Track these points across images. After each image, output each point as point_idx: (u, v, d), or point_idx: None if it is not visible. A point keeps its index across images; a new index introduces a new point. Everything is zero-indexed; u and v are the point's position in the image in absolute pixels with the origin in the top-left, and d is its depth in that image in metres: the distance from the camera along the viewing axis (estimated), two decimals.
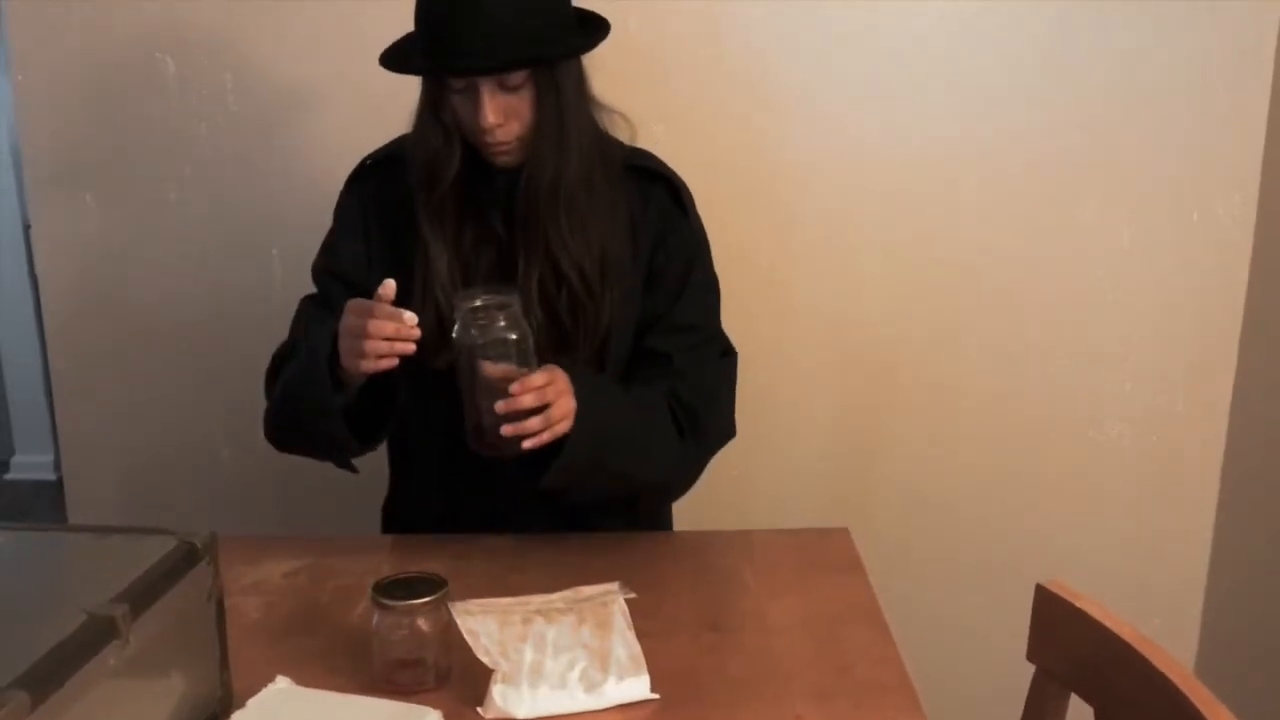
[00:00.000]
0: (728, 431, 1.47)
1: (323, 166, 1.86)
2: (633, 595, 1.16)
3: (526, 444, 1.22)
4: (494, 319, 1.24)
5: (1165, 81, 1.87)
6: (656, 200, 1.42)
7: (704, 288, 1.45)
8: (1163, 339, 1.97)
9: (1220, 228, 1.93)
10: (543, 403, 1.22)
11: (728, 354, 1.48)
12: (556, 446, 1.26)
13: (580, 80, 1.35)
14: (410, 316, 1.22)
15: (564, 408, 1.24)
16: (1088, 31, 1.85)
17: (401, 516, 1.57)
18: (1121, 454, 2.02)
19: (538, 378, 1.22)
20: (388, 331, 1.22)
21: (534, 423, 1.22)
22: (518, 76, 1.28)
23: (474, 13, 1.24)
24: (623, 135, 1.43)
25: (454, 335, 1.26)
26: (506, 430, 1.21)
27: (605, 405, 1.29)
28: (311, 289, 1.49)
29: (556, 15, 1.31)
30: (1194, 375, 1.99)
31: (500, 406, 1.21)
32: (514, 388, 1.20)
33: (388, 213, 1.42)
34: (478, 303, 1.25)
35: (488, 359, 1.23)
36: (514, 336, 1.25)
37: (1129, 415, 2.01)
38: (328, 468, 1.42)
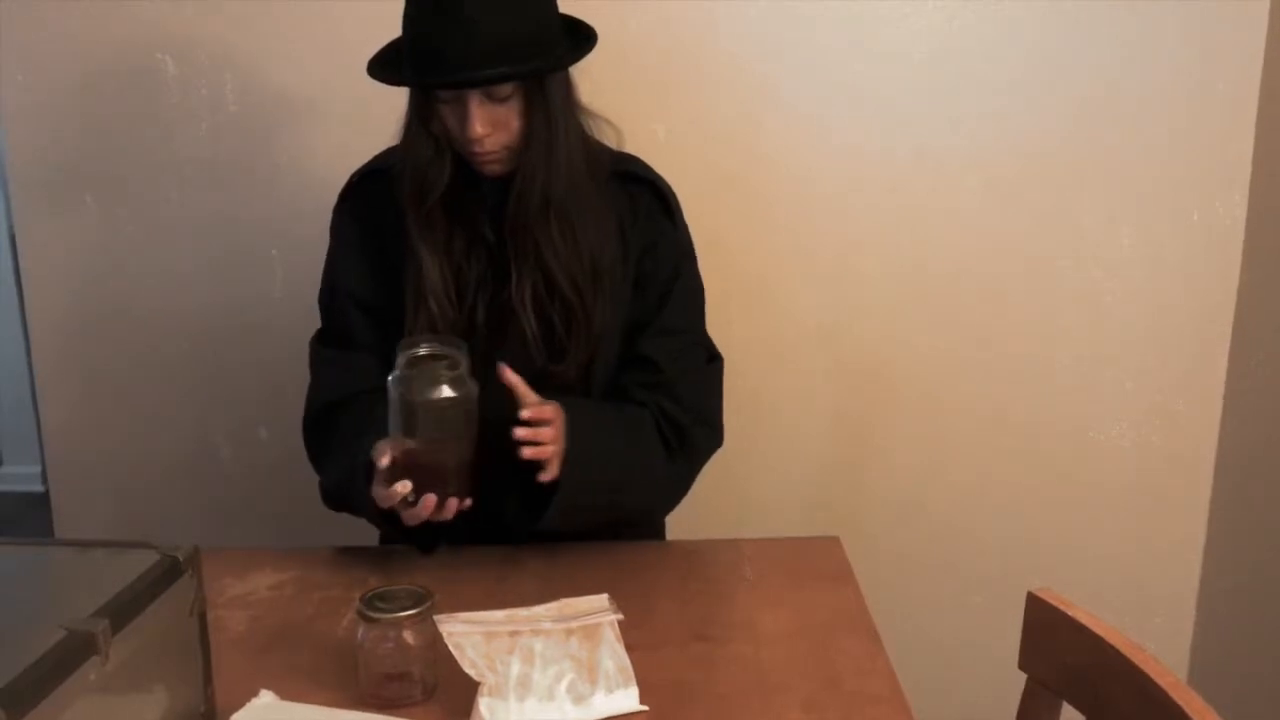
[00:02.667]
0: (716, 442, 1.47)
1: (323, 166, 1.86)
2: (620, 616, 1.15)
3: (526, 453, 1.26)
4: (438, 376, 1.20)
5: (1163, 82, 1.87)
6: (644, 206, 1.42)
7: (689, 292, 1.46)
8: (1163, 339, 1.98)
9: (1220, 228, 1.93)
10: (535, 439, 1.26)
11: (714, 359, 1.48)
12: (550, 487, 1.29)
13: (568, 89, 1.35)
14: (403, 487, 1.22)
15: (552, 450, 1.28)
16: (1084, 33, 1.85)
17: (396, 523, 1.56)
18: (1121, 454, 2.02)
19: (547, 410, 1.26)
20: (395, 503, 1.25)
21: (528, 451, 1.26)
22: (506, 87, 1.28)
23: (461, 25, 1.23)
24: (609, 141, 1.43)
25: (389, 383, 1.21)
26: (522, 441, 1.25)
27: (597, 446, 1.32)
28: (310, 305, 1.49)
29: (544, 26, 1.31)
30: (1195, 375, 1.99)
31: (522, 432, 1.24)
32: (524, 413, 1.25)
33: (380, 225, 1.41)
34: (421, 352, 1.22)
35: (426, 415, 1.20)
36: (456, 395, 1.21)
37: (1130, 415, 2.01)
38: None
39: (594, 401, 1.40)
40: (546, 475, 1.28)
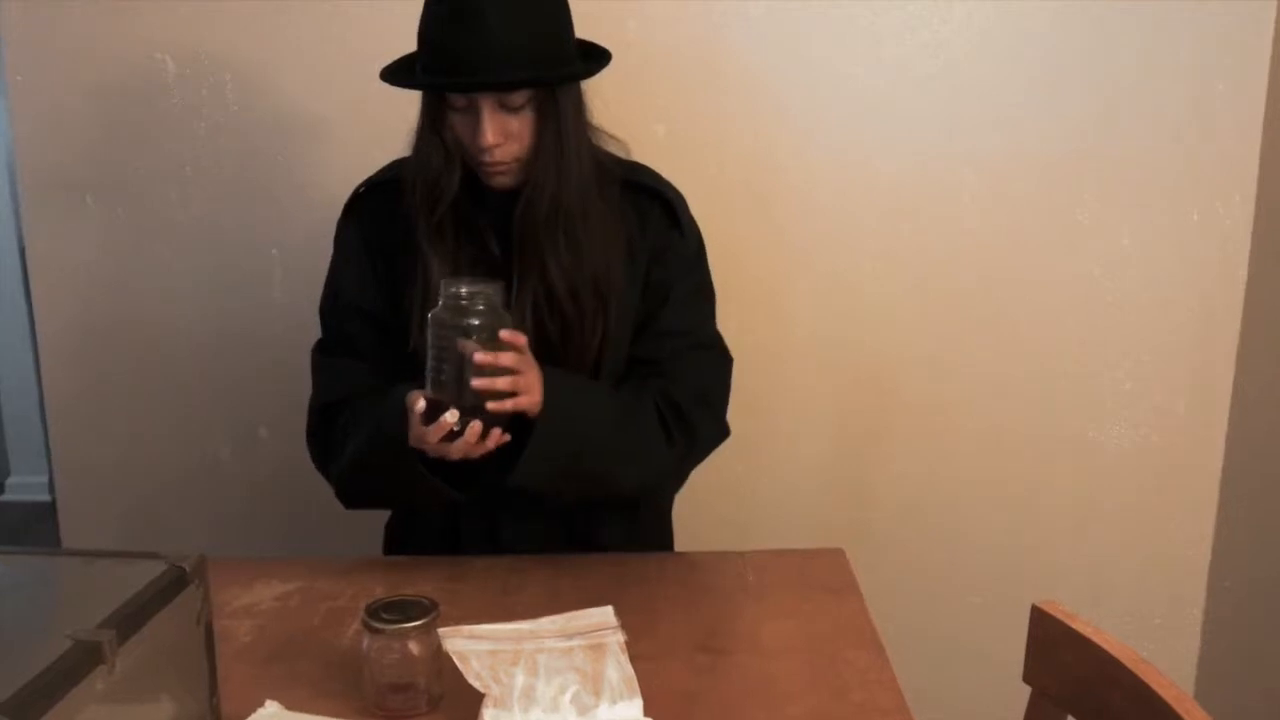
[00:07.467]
0: (719, 429, 1.47)
1: (322, 167, 1.87)
2: (624, 637, 1.15)
3: (491, 405, 1.24)
4: (475, 303, 1.24)
5: (1164, 82, 1.88)
6: (654, 219, 1.43)
7: (695, 294, 1.47)
8: (1163, 339, 1.98)
9: (1220, 228, 1.93)
10: (518, 370, 1.25)
11: (722, 357, 1.49)
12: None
13: (580, 105, 1.36)
14: (451, 416, 1.23)
15: (530, 381, 1.27)
16: (1086, 33, 1.86)
17: (403, 533, 1.57)
18: (1121, 456, 2.02)
19: (514, 354, 1.25)
20: (440, 438, 1.24)
21: (503, 381, 1.24)
22: (519, 97, 1.29)
23: (480, 32, 1.25)
24: (618, 152, 1.43)
25: (431, 315, 1.25)
26: (477, 384, 1.22)
27: (576, 402, 1.32)
28: (310, 306, 1.49)
29: (560, 41, 1.33)
30: (1195, 376, 1.99)
31: (480, 357, 1.22)
32: (504, 334, 1.23)
33: (385, 237, 1.42)
34: (464, 289, 1.25)
35: (468, 339, 1.23)
36: (495, 323, 1.25)
37: (1130, 416, 2.01)
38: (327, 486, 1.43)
39: (581, 376, 1.39)
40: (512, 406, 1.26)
